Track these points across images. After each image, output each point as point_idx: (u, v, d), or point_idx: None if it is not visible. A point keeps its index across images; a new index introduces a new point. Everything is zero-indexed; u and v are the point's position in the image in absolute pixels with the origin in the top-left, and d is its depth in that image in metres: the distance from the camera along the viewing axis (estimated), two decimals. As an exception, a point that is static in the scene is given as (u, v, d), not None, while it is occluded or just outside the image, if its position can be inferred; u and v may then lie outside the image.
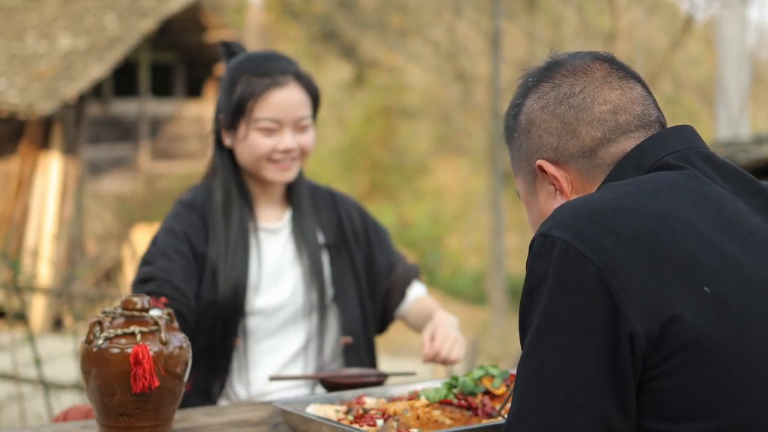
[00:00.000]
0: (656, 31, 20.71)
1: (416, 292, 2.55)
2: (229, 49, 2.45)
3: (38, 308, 11.43)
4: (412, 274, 2.55)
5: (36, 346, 4.65)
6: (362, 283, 2.47)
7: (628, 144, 1.43)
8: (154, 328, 1.75)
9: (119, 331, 1.72)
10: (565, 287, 1.26)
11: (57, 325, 11.89)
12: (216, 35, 14.20)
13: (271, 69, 2.34)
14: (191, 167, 15.05)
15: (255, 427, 1.95)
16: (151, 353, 1.70)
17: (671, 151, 1.41)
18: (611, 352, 1.23)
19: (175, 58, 14.85)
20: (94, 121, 13.37)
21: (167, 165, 14.73)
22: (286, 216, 2.45)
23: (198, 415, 2.04)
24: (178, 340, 1.77)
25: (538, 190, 1.50)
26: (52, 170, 12.45)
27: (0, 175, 12.73)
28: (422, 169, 23.19)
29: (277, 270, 2.40)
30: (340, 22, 18.34)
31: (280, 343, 2.38)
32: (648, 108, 1.47)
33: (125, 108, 13.99)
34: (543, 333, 1.27)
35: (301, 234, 2.43)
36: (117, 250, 12.67)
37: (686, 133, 1.45)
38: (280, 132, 2.34)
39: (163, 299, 2.12)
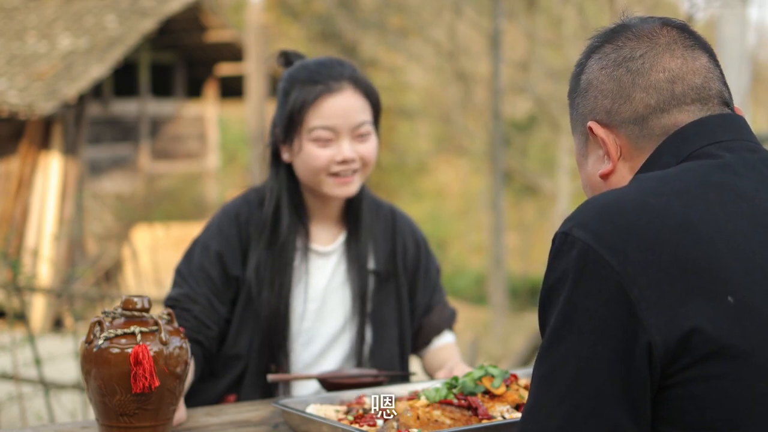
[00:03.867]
0: (656, 31, 20.64)
1: (442, 341, 2.43)
2: (287, 59, 2.32)
3: (38, 308, 11.43)
4: (444, 324, 2.43)
5: (36, 346, 4.65)
6: (405, 318, 2.35)
7: (681, 117, 1.38)
8: (154, 328, 1.75)
9: (119, 331, 1.72)
10: (583, 290, 1.24)
11: (57, 325, 11.88)
12: (216, 35, 14.21)
13: (323, 75, 2.21)
14: (191, 167, 15.06)
15: (255, 427, 1.95)
16: (151, 353, 1.70)
17: (713, 141, 1.35)
18: (626, 359, 1.21)
19: (175, 58, 14.86)
20: (94, 121, 13.38)
21: (167, 165, 14.73)
22: (341, 237, 2.33)
23: (198, 415, 2.04)
24: (178, 340, 1.77)
25: (589, 152, 1.46)
26: (52, 170, 12.45)
27: (0, 174, 12.73)
28: (422, 169, 23.17)
29: (323, 294, 2.30)
30: (340, 21, 18.34)
31: (317, 370, 2.29)
32: (709, 81, 1.40)
33: (125, 108, 13.99)
34: (559, 334, 1.25)
35: (353, 259, 2.31)
36: (117, 250, 12.67)
37: (734, 122, 1.39)
38: (338, 141, 2.20)
39: (181, 329, 2.08)
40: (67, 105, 12.22)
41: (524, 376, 2.06)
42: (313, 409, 1.87)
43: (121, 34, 12.68)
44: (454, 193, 23.84)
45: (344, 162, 2.20)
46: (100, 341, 1.71)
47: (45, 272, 11.34)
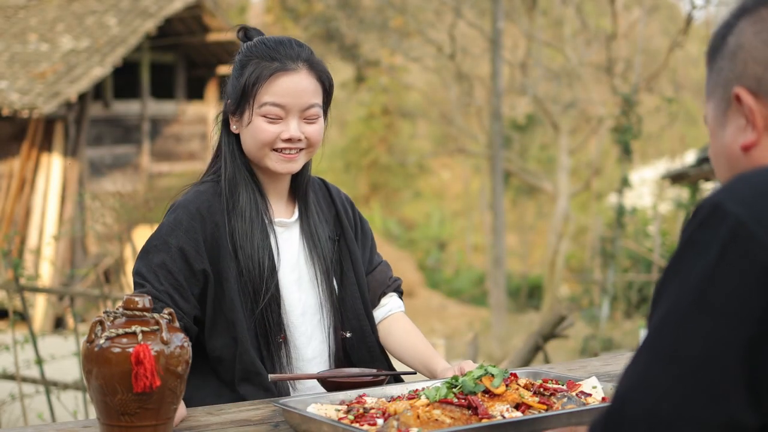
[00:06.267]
0: (656, 32, 20.72)
1: (392, 306, 2.47)
2: (246, 33, 2.37)
3: (40, 308, 11.44)
4: (391, 283, 2.48)
5: (38, 345, 4.66)
6: (361, 274, 2.41)
7: None
8: (155, 327, 1.75)
9: (120, 331, 1.73)
10: (727, 269, 1.14)
11: (58, 325, 11.89)
12: (217, 36, 14.22)
13: (281, 53, 2.25)
14: (192, 167, 15.07)
15: (256, 426, 1.96)
16: (153, 352, 1.70)
17: None
18: (760, 348, 1.12)
19: (176, 59, 14.86)
20: (96, 122, 13.39)
21: (168, 165, 14.74)
22: (296, 212, 2.38)
23: (199, 414, 2.04)
24: (179, 339, 1.78)
25: (728, 121, 1.35)
26: (53, 171, 12.46)
27: (2, 175, 12.74)
28: (422, 169, 23.18)
29: (297, 265, 2.34)
30: (341, 22, 18.35)
31: (313, 342, 2.31)
32: None
33: (126, 108, 14.00)
34: (689, 310, 1.15)
35: (312, 232, 2.36)
36: (118, 250, 12.68)
37: None
38: (286, 120, 2.25)
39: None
40: (68, 105, 12.22)
41: (524, 375, 2.07)
42: (313, 409, 1.88)
43: (122, 34, 12.69)
44: (454, 193, 23.84)
45: (290, 140, 2.25)
46: (102, 341, 1.72)
47: (47, 272, 11.35)
